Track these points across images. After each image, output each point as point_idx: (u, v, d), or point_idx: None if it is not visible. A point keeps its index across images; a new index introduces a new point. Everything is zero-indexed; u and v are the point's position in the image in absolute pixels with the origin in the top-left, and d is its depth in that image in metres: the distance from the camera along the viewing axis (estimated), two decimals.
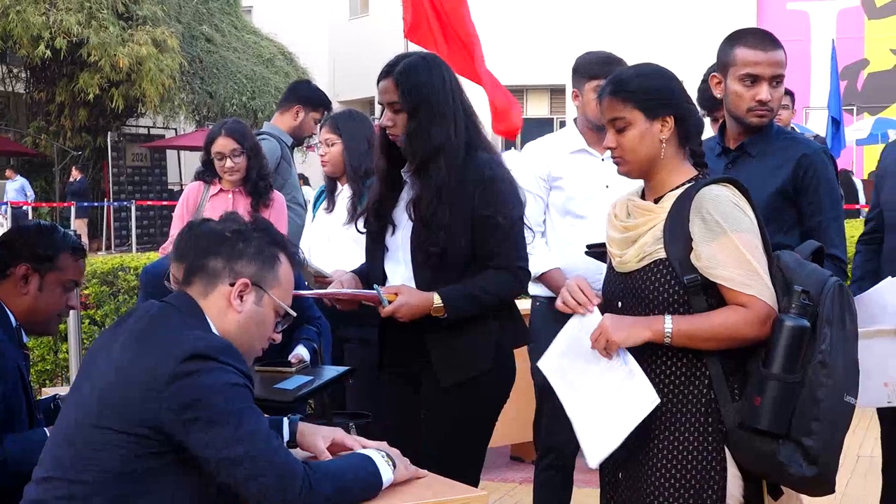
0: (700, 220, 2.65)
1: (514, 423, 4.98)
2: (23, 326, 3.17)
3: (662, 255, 2.69)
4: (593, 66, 4.04)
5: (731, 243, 2.63)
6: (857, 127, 20.16)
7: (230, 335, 2.44)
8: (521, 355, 3.49)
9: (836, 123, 10.42)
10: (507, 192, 3.27)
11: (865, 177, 18.56)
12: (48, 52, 20.46)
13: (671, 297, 2.69)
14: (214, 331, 2.44)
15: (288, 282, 2.57)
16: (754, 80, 3.37)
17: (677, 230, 2.68)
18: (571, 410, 2.78)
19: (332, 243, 4.57)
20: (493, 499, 5.33)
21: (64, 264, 3.15)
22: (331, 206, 4.70)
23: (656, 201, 2.79)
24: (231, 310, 2.47)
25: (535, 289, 4.17)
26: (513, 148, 20.88)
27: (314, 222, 4.84)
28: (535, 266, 4.01)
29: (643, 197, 2.85)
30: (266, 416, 2.44)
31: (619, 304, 2.79)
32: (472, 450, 3.40)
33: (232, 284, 2.47)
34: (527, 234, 3.38)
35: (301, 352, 3.84)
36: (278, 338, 2.61)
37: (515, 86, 24.92)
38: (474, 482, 3.29)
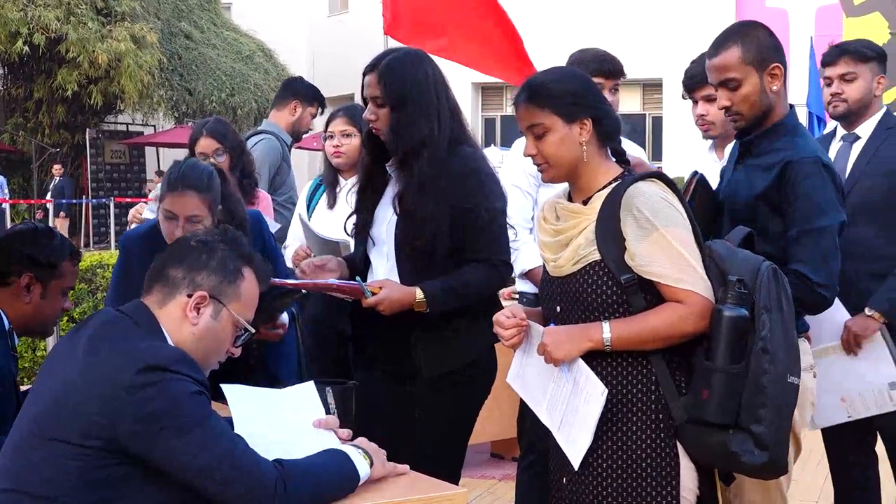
0: (631, 218, 2.65)
1: (494, 420, 4.99)
2: (19, 331, 3.15)
3: (597, 256, 2.69)
4: (589, 64, 4.03)
5: (664, 239, 2.63)
6: (835, 124, 20.17)
7: (185, 347, 2.40)
8: (504, 352, 3.49)
9: (821, 122, 10.38)
10: (488, 186, 3.28)
11: None
12: (26, 48, 20.32)
13: (609, 299, 2.69)
14: (169, 341, 2.40)
15: (250, 298, 2.52)
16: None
17: (609, 230, 2.67)
18: (543, 418, 2.79)
19: None
20: (473, 496, 5.33)
21: (65, 271, 3.16)
22: (332, 202, 4.54)
23: (584, 203, 2.78)
24: (186, 322, 2.43)
25: (521, 285, 4.16)
26: (493, 145, 20.89)
27: (311, 220, 4.55)
28: (523, 262, 4.01)
29: (571, 199, 2.85)
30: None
31: (559, 308, 2.79)
32: (462, 447, 3.42)
33: (190, 296, 2.43)
34: (510, 232, 3.38)
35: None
36: (237, 352, 2.55)
37: (498, 83, 24.94)
38: (457, 479, 3.29)
